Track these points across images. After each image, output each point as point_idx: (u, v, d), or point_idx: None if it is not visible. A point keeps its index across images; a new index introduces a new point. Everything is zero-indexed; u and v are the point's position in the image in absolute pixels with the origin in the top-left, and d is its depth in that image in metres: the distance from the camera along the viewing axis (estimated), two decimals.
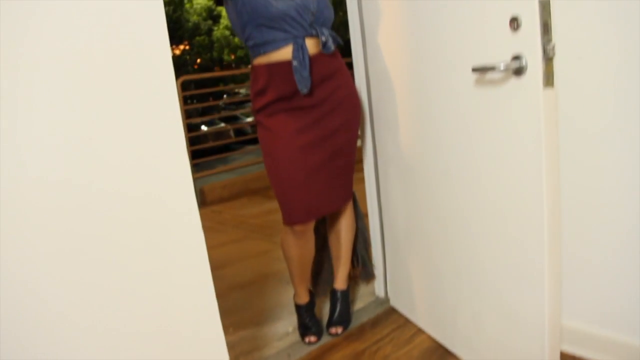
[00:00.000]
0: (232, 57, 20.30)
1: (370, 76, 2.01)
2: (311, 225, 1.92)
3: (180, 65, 19.37)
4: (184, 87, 4.31)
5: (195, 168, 4.50)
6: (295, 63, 1.72)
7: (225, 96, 16.07)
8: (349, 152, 1.91)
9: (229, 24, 20.25)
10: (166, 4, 18.13)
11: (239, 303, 2.47)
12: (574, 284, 1.58)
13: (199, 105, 5.84)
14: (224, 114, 12.28)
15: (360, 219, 2.20)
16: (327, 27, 1.80)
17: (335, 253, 2.15)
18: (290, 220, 1.86)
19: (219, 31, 19.88)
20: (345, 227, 2.09)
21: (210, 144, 5.61)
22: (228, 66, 19.98)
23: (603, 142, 1.45)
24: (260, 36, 1.73)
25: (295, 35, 1.72)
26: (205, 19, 19.64)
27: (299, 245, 1.93)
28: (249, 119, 11.97)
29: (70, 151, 1.00)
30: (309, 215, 1.86)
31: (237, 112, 13.79)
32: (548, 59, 1.26)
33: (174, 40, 18.92)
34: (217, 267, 2.87)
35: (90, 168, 1.03)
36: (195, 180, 4.29)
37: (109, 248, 1.08)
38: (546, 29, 1.25)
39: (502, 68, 1.29)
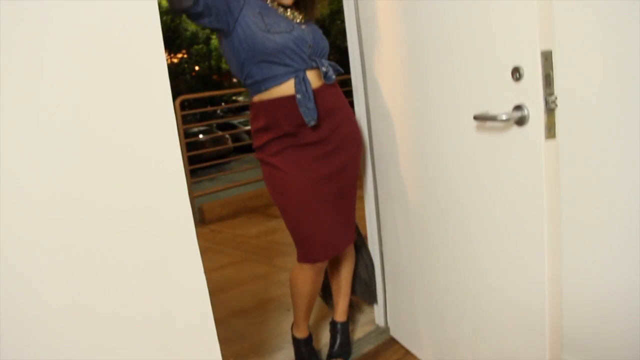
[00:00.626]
0: None
1: (371, 110, 2.02)
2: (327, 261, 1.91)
3: (178, 73, 19.38)
4: (182, 107, 4.31)
5: (194, 185, 4.49)
6: (299, 96, 1.70)
7: (223, 104, 16.05)
8: (353, 189, 1.91)
9: None
10: (164, 14, 18.19)
11: (239, 331, 2.47)
12: (574, 320, 1.59)
13: (199, 125, 5.82)
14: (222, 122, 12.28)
15: (363, 244, 2.20)
16: (325, 58, 1.81)
17: (335, 285, 2.15)
18: (312, 257, 1.84)
19: (217, 40, 19.81)
20: (345, 258, 2.09)
21: (210, 163, 5.55)
22: (226, 74, 19.98)
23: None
24: (259, 73, 1.72)
25: (296, 68, 1.71)
26: (203, 28, 19.59)
27: (315, 281, 1.91)
28: (247, 127, 11.99)
29: (64, 175, 0.99)
30: (329, 250, 1.85)
31: (235, 121, 13.82)
32: (550, 110, 1.27)
33: (172, 49, 18.94)
34: (216, 292, 2.90)
35: (84, 187, 1.02)
36: (194, 198, 4.30)
37: (100, 278, 1.05)
38: (548, 81, 1.26)
39: (503, 118, 1.30)
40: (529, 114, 1.29)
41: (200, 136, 11.02)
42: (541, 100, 1.26)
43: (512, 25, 1.29)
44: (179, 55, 19.75)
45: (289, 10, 1.78)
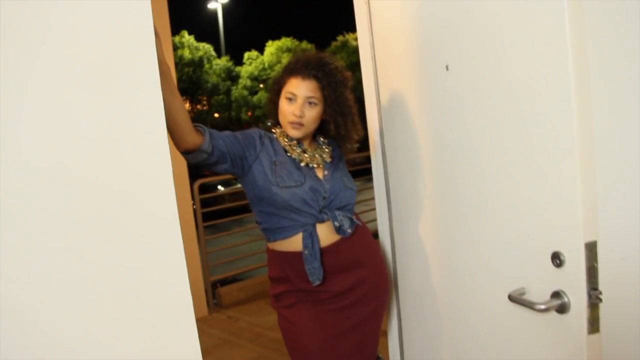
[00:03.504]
0: (250, 115, 20.57)
1: (397, 252, 1.92)
2: None
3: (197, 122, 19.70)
4: (201, 190, 4.29)
5: (212, 268, 4.43)
6: (305, 252, 1.62)
7: None
8: (377, 334, 1.81)
9: (247, 84, 20.34)
10: (186, 65, 18.65)
11: None
12: None
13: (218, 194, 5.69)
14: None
15: None
16: (343, 209, 1.69)
17: None
18: None
19: (237, 91, 20.23)
20: None
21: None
22: (247, 124, 20.22)
23: None
24: (269, 221, 1.66)
25: (303, 223, 1.63)
26: (224, 80, 20.04)
27: None
28: None
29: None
30: None
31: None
32: (593, 304, 1.18)
33: (194, 99, 19.29)
34: None
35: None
36: (210, 282, 4.24)
37: None
38: (592, 273, 1.17)
39: (541, 308, 1.21)
40: (569, 303, 1.20)
41: (221, 188, 10.82)
42: (584, 293, 1.17)
43: (553, 209, 1.22)
44: (199, 107, 20.08)
45: (311, 155, 1.69)
